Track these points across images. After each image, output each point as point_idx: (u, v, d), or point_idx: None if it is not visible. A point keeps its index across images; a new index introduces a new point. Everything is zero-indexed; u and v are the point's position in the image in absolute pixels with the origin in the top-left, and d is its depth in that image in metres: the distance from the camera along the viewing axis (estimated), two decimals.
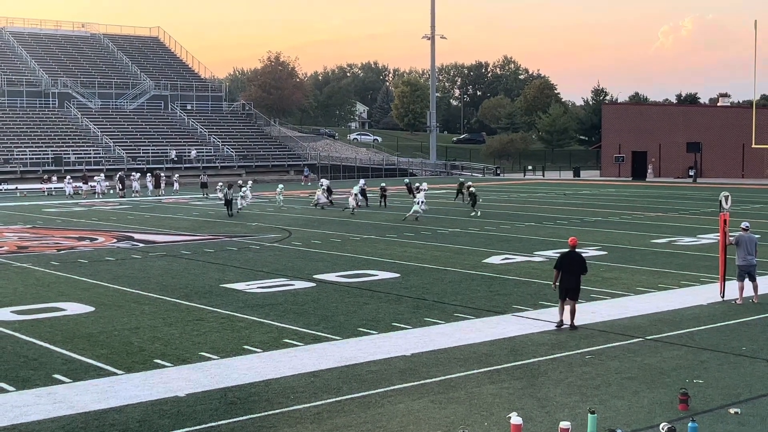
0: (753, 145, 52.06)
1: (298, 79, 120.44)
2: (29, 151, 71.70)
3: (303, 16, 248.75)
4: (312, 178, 74.38)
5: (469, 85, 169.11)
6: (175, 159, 75.03)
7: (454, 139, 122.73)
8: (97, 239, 32.48)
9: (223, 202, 41.48)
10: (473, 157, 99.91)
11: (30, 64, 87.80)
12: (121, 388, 12.56)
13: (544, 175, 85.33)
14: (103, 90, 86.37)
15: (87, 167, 69.65)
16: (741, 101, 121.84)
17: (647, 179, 76.82)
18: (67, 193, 57.73)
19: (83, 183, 60.96)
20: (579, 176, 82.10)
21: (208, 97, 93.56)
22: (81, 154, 73.21)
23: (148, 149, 77.00)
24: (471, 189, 42.76)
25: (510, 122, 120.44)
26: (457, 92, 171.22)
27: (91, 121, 79.90)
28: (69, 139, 76.38)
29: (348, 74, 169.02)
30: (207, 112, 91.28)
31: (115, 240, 32.10)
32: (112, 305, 18.92)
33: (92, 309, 18.48)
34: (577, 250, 16.60)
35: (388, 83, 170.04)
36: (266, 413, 11.44)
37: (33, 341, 15.50)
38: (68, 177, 60.39)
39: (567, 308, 16.14)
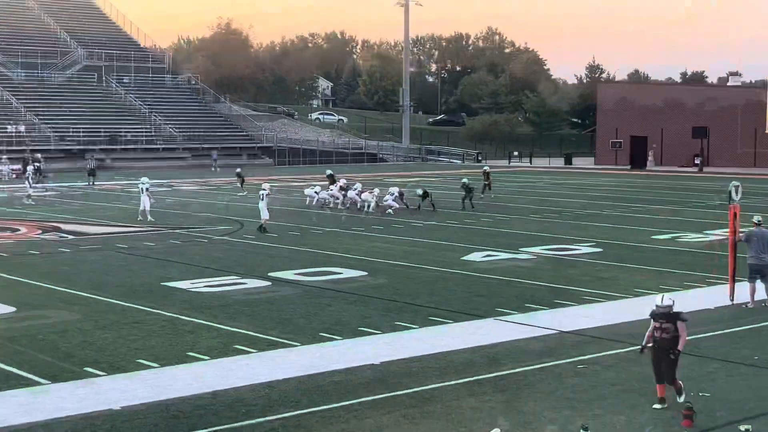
0: (767, 130, 52.63)
1: (252, 50, 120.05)
2: None
3: None
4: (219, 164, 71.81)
5: (447, 60, 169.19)
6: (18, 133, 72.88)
7: (430, 120, 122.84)
8: (18, 230, 32.20)
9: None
10: (451, 141, 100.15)
11: None
12: (46, 400, 12.47)
13: (531, 162, 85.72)
14: (27, 59, 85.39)
15: (8, 147, 68.94)
16: (753, 81, 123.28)
17: (647, 168, 77.38)
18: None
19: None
20: (571, 164, 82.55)
21: (148, 69, 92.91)
22: (1, 132, 72.41)
23: (80, 128, 76.34)
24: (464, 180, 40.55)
25: (493, 102, 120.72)
26: (433, 67, 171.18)
27: (12, 95, 79.05)
28: None
29: (309, 45, 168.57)
30: (147, 86, 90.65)
31: (39, 231, 31.84)
32: (36, 305, 18.79)
33: (13, 309, 18.34)
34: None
35: (355, 56, 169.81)
36: (214, 429, 11.42)
37: None
38: (3, 157, 62.71)
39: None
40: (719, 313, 18.25)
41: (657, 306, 12.28)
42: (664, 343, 12.09)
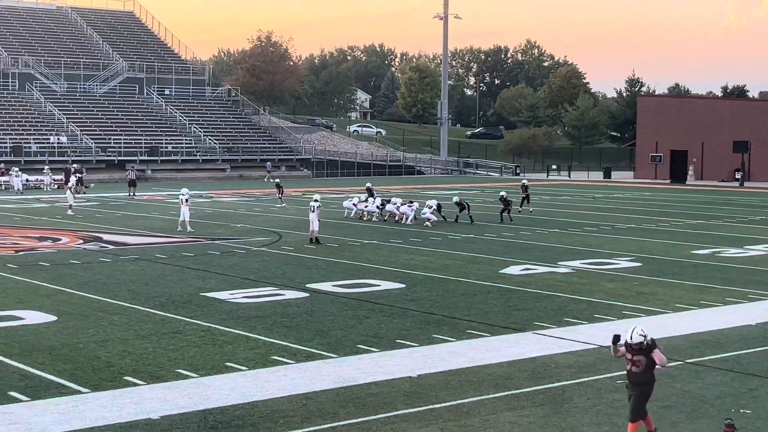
0: None
1: (291, 63, 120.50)
2: None
3: None
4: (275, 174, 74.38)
5: (486, 73, 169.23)
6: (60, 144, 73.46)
7: (468, 133, 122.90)
8: (60, 239, 32.49)
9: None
10: (489, 154, 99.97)
11: None
12: (86, 408, 12.54)
13: (570, 176, 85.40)
14: (70, 71, 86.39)
15: (50, 158, 69.73)
16: None
17: (688, 182, 76.79)
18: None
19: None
20: (610, 177, 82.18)
21: (189, 81, 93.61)
22: (44, 143, 73.25)
23: (120, 139, 77.06)
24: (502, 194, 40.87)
25: (532, 115, 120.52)
26: (472, 80, 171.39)
27: (55, 106, 79.96)
28: (30, 126, 76.42)
29: (348, 57, 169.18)
30: (188, 98, 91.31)
31: (80, 241, 32.11)
32: (76, 314, 18.91)
33: (54, 318, 18.48)
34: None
35: (393, 69, 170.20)
36: None
37: None
38: (45, 167, 63.72)
39: None
40: (761, 330, 18.03)
41: (627, 342, 11.10)
42: (633, 377, 11.17)
